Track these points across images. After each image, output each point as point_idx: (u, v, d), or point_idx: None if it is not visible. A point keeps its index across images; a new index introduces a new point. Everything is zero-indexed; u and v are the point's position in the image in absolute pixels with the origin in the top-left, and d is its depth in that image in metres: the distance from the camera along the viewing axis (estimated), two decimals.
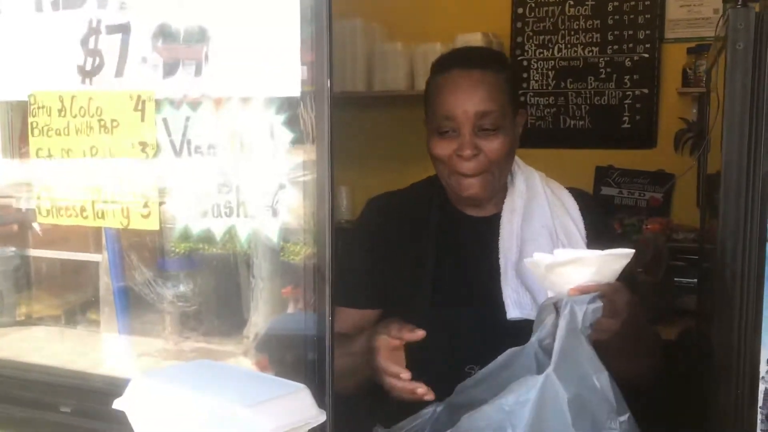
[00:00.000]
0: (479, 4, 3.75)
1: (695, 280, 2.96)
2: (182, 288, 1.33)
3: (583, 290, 1.10)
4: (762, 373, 1.19)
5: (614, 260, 1.15)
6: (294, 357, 1.15)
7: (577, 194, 1.52)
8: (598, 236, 1.45)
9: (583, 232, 1.44)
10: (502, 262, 1.41)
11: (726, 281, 1.17)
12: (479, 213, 1.49)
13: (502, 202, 1.47)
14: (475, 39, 3.54)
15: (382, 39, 3.88)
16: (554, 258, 1.15)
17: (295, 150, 1.14)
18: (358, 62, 3.79)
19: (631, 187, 3.64)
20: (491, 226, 1.45)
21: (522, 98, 3.70)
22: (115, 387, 1.31)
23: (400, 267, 1.46)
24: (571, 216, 1.46)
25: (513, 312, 1.37)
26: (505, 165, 1.44)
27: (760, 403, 1.17)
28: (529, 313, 1.34)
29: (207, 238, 1.18)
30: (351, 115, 3.82)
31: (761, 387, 1.17)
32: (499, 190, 1.47)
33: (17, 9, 1.29)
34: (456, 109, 1.37)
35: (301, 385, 0.95)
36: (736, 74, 1.17)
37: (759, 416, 1.15)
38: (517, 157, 1.50)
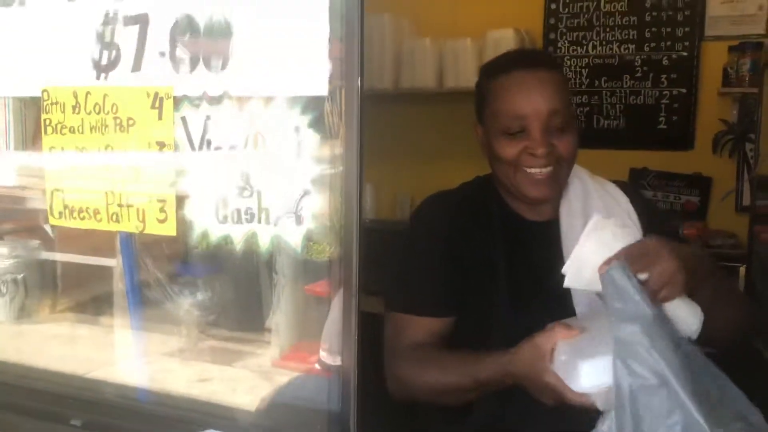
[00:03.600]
0: (510, 0, 3.65)
1: None
2: (200, 296, 1.26)
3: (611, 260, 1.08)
4: None
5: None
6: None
7: (622, 185, 1.50)
8: (651, 223, 1.43)
9: (638, 223, 1.42)
10: None
11: None
12: (538, 217, 1.46)
13: (558, 205, 1.44)
14: (507, 35, 3.44)
15: (410, 35, 3.79)
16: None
17: (322, 149, 1.06)
18: (386, 58, 3.71)
19: (667, 190, 3.52)
20: (551, 229, 1.42)
21: None
22: (127, 400, 1.25)
23: (473, 271, 1.42)
24: (623, 208, 1.44)
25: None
26: (572, 164, 1.42)
27: None
28: None
29: (227, 244, 1.10)
30: (377, 112, 3.75)
31: None
32: (562, 190, 1.45)
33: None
34: (526, 108, 1.35)
35: None
36: None
37: None
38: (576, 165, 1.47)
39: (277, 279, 1.28)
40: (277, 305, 1.34)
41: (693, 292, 1.12)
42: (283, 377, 1.32)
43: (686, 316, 1.10)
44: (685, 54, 3.44)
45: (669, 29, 3.46)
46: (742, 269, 2.78)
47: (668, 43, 3.46)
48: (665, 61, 3.48)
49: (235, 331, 1.42)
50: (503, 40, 3.44)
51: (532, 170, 1.36)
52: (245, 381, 1.38)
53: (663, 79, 3.49)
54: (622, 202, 1.46)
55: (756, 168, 2.04)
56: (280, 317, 1.35)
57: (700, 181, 3.46)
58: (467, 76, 3.45)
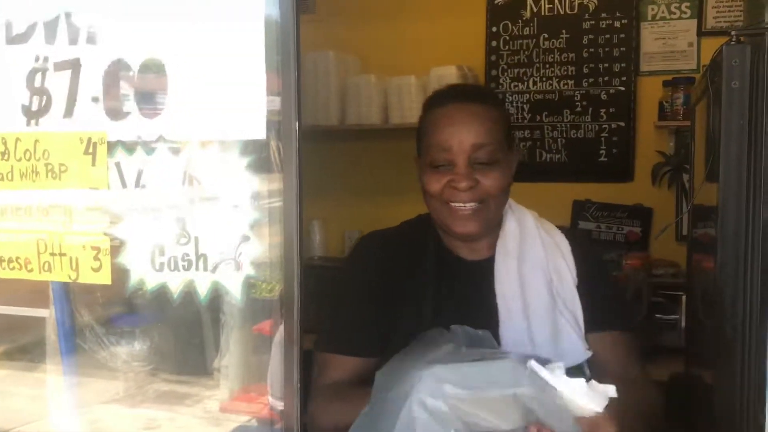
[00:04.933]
0: (454, 37, 3.71)
1: (677, 316, 2.90)
2: (137, 346, 1.21)
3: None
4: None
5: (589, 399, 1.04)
6: None
7: (568, 233, 1.48)
8: (588, 281, 1.41)
9: (574, 272, 1.41)
10: (501, 306, 1.36)
11: (726, 336, 1.09)
12: (473, 256, 1.44)
13: (495, 245, 1.42)
14: (450, 72, 3.49)
15: (355, 71, 3.81)
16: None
17: (261, 189, 1.05)
18: (331, 95, 3.71)
19: (609, 221, 3.58)
20: (486, 269, 1.40)
21: None
22: None
23: (400, 313, 1.39)
24: (563, 256, 1.42)
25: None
26: (501, 201, 1.40)
27: None
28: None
29: (162, 293, 1.07)
30: (324, 148, 3.74)
31: None
32: (493, 228, 1.42)
33: None
34: (451, 141, 1.33)
35: None
36: (731, 114, 1.11)
37: None
38: (510, 198, 1.46)
39: (224, 320, 1.25)
40: (225, 347, 1.30)
41: None
42: (232, 423, 1.28)
43: None
44: (622, 89, 3.53)
45: (606, 65, 3.55)
46: (684, 298, 2.84)
47: (606, 78, 3.55)
48: (603, 96, 3.57)
49: (183, 374, 1.37)
50: (447, 76, 3.48)
51: (457, 204, 1.35)
52: (194, 427, 1.34)
53: (602, 113, 3.57)
54: (563, 248, 1.44)
55: (692, 198, 2.09)
56: (229, 359, 1.32)
57: (641, 212, 3.53)
58: (412, 113, 3.47)
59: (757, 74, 1.10)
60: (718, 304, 1.11)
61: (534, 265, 1.39)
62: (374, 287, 1.40)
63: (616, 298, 1.55)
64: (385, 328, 1.38)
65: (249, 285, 1.06)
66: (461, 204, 1.34)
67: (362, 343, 1.38)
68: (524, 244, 1.41)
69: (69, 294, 1.25)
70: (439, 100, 1.41)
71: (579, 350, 1.35)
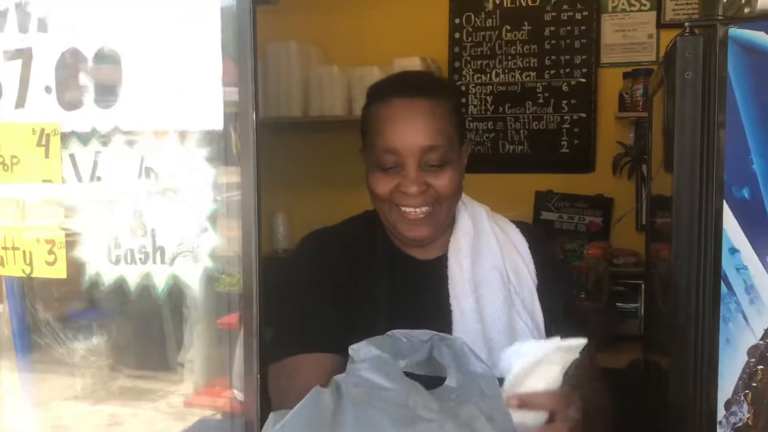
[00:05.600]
0: (417, 29, 3.71)
1: (637, 305, 2.96)
2: (95, 341, 1.20)
3: (523, 401, 1.02)
4: (719, 417, 1.14)
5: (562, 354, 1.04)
6: None
7: (524, 228, 1.42)
8: (547, 275, 1.36)
9: (533, 272, 1.35)
10: (454, 307, 1.29)
11: (680, 323, 1.12)
12: (424, 255, 1.36)
13: (447, 243, 1.35)
14: (413, 63, 3.49)
15: (318, 62, 3.80)
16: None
17: (219, 182, 1.03)
18: (293, 86, 3.69)
19: (571, 212, 3.62)
20: (438, 268, 1.33)
21: None
22: None
23: (353, 312, 1.29)
24: (520, 254, 1.36)
25: None
26: (453, 201, 1.32)
27: None
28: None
29: (120, 286, 1.06)
30: (287, 140, 3.72)
31: None
32: (446, 230, 1.35)
33: None
34: (399, 144, 1.23)
35: None
36: (685, 103, 1.12)
37: None
38: (465, 195, 1.38)
39: (187, 313, 1.23)
40: (189, 341, 1.29)
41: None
42: (196, 417, 1.27)
43: None
44: (583, 80, 3.57)
45: (567, 57, 3.59)
46: (643, 286, 2.90)
47: (567, 70, 3.59)
48: (565, 88, 3.60)
49: (145, 370, 1.35)
50: (410, 67, 3.48)
51: (407, 209, 1.26)
52: (158, 423, 1.32)
53: (564, 105, 3.61)
54: (519, 246, 1.37)
55: (649, 187, 2.12)
56: (193, 353, 1.30)
57: (602, 202, 3.58)
58: None
59: (710, 65, 1.12)
60: (673, 292, 1.13)
61: (489, 264, 1.32)
62: (326, 284, 1.32)
63: (577, 300, 1.51)
64: (343, 325, 1.28)
65: (211, 278, 1.05)
66: (412, 209, 1.26)
67: (330, 338, 1.26)
68: (478, 243, 1.34)
69: (23, 289, 1.22)
70: (384, 94, 1.29)
71: None
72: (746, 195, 1.11)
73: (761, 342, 1.11)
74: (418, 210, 1.26)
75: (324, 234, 1.43)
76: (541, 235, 1.50)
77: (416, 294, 1.33)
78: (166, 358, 1.33)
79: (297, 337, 1.29)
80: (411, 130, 1.23)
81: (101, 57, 1.07)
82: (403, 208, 1.27)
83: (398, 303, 1.30)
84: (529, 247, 1.37)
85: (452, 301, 1.29)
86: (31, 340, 1.24)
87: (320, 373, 1.23)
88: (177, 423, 1.30)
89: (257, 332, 0.98)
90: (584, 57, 3.56)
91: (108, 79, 1.06)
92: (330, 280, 1.31)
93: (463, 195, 1.37)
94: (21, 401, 1.33)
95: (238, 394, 1.10)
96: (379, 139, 1.26)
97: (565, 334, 1.06)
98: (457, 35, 3.74)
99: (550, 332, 1.29)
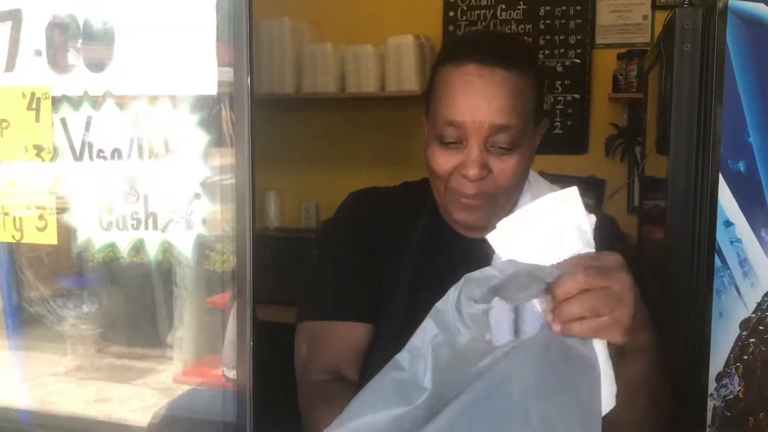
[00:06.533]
0: (411, 7, 3.68)
1: None
2: (86, 308, 1.19)
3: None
4: (710, 390, 1.14)
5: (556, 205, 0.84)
6: None
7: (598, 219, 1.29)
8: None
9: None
10: None
11: (674, 295, 1.12)
12: (473, 234, 1.22)
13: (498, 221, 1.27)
14: (407, 41, 3.47)
15: (311, 40, 3.77)
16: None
17: (214, 151, 1.02)
18: (286, 63, 3.67)
19: None
20: (483, 247, 1.20)
21: None
22: (10, 423, 1.16)
23: (393, 281, 1.22)
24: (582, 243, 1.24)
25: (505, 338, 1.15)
26: (515, 190, 1.18)
27: (708, 421, 1.13)
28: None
29: (112, 253, 1.05)
30: (279, 117, 3.70)
31: (710, 404, 1.13)
32: (501, 217, 1.27)
33: None
34: (465, 117, 1.09)
35: None
36: (683, 76, 1.12)
37: None
38: (531, 171, 1.24)
39: (177, 292, 1.22)
40: (179, 319, 1.28)
41: (625, 354, 0.88)
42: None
43: None
44: (577, 61, 3.57)
45: (562, 37, 3.58)
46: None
47: (562, 50, 3.58)
48: (559, 68, 3.59)
49: (135, 347, 1.35)
50: (404, 46, 3.47)
51: (462, 191, 1.14)
52: (147, 399, 1.32)
53: (557, 85, 3.60)
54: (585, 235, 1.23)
55: (642, 165, 2.12)
56: (183, 332, 1.30)
57: (594, 184, 3.59)
58: (368, 82, 3.45)
59: (708, 38, 1.12)
60: (667, 264, 1.13)
61: None
62: (365, 245, 1.23)
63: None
64: (377, 294, 1.21)
65: (202, 252, 1.04)
66: (467, 196, 1.14)
67: (360, 307, 1.19)
68: None
69: (12, 255, 1.21)
70: (458, 56, 1.13)
71: None
72: (742, 168, 1.11)
73: (753, 315, 1.11)
74: (474, 200, 1.14)
75: (372, 193, 1.33)
76: (610, 223, 1.29)
77: (457, 271, 1.23)
78: (156, 335, 1.32)
79: (324, 302, 1.23)
80: (482, 104, 1.08)
81: (93, 20, 1.05)
82: (457, 194, 1.15)
83: (435, 277, 1.19)
84: (594, 239, 1.26)
85: None
86: (21, 308, 1.23)
87: (342, 349, 1.19)
88: (166, 399, 1.30)
89: (251, 301, 0.98)
90: (579, 37, 3.55)
91: (100, 43, 1.05)
92: (367, 241, 1.23)
93: (532, 173, 1.26)
94: (8, 376, 1.33)
95: (228, 373, 1.10)
96: (444, 107, 1.12)
97: None
98: (451, 13, 3.72)
99: None
